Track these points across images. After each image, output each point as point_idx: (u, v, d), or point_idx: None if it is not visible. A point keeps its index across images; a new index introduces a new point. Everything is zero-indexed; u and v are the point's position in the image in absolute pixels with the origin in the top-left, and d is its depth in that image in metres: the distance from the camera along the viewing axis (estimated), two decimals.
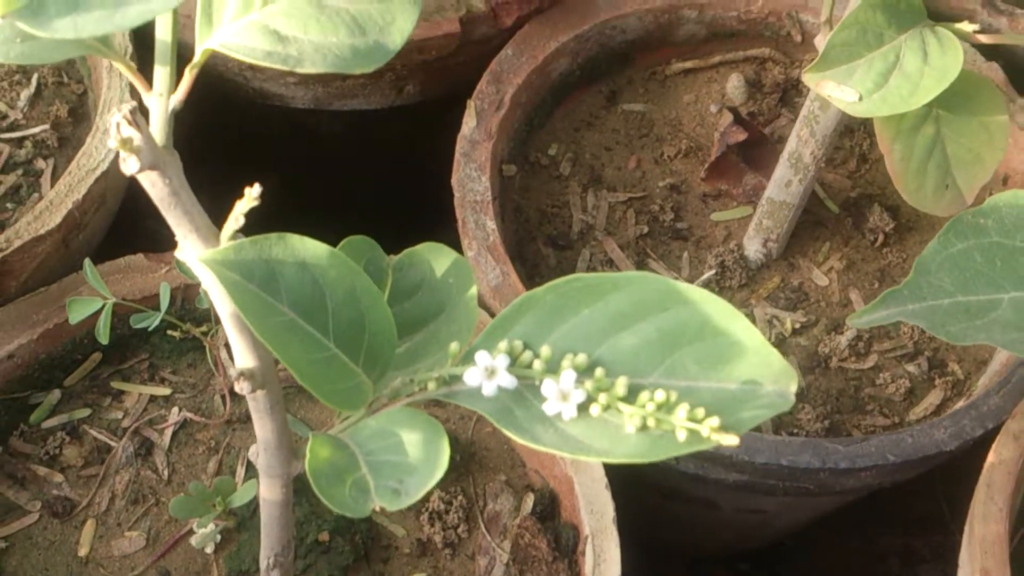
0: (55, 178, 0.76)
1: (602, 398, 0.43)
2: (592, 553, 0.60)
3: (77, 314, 0.65)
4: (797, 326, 0.77)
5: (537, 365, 0.45)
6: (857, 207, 0.82)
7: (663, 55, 0.87)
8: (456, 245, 0.74)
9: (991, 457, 0.60)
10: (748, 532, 0.85)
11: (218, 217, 0.44)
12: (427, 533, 0.64)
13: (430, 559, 0.64)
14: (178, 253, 0.45)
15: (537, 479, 0.66)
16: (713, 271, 0.79)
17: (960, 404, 0.71)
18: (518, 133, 0.82)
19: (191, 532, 0.64)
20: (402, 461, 0.46)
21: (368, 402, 0.48)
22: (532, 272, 0.79)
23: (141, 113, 0.41)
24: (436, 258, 0.52)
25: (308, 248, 0.45)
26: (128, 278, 0.71)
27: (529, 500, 0.65)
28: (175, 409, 0.69)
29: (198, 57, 0.41)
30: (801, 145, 0.74)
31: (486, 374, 0.45)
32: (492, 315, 0.71)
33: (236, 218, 0.43)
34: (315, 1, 0.41)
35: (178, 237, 0.44)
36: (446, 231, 0.78)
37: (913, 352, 0.76)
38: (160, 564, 0.64)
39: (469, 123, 0.78)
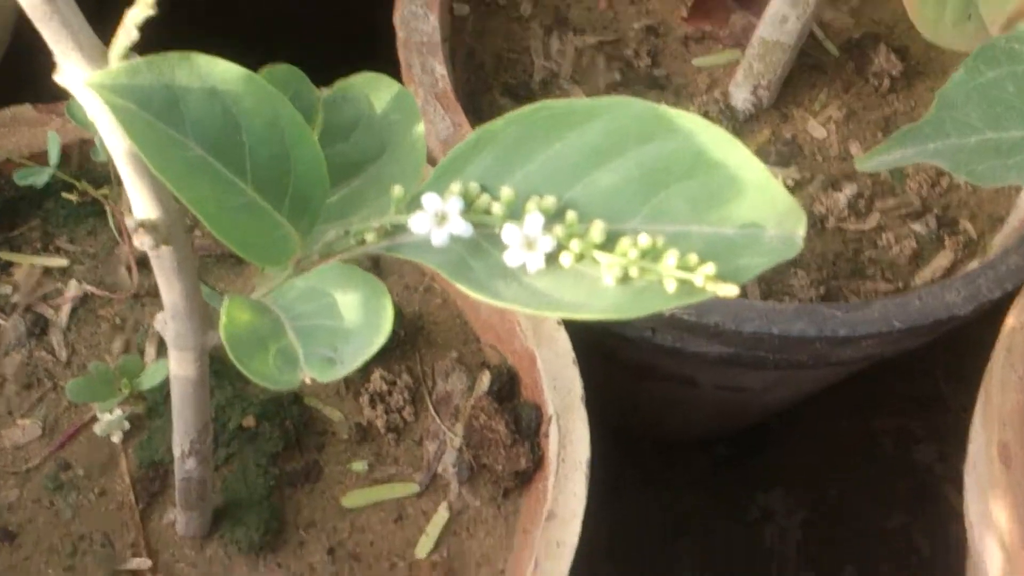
0: None
1: (575, 245, 0.39)
2: (557, 434, 0.57)
3: None
4: (790, 184, 0.74)
5: (497, 209, 0.40)
6: (860, 49, 0.78)
7: None
8: None
9: (1011, 320, 0.56)
10: (729, 412, 0.83)
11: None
12: (368, 417, 0.61)
13: (371, 445, 0.60)
14: (58, 77, 0.40)
15: (493, 355, 0.62)
16: None
17: (974, 265, 0.68)
18: None
19: (95, 419, 0.60)
20: (336, 326, 0.42)
21: (295, 258, 0.43)
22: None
23: None
24: (375, 91, 0.47)
25: (218, 71, 0.40)
26: (14, 132, 0.66)
27: (485, 378, 0.61)
28: (73, 282, 0.65)
29: None
30: None
31: (436, 220, 0.40)
32: None
33: (128, 31, 0.38)
34: None
35: (58, 58, 0.39)
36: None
37: (920, 209, 0.73)
38: (59, 455, 0.60)
39: None
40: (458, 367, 0.62)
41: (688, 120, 0.40)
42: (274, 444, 0.59)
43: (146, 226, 0.42)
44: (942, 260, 0.71)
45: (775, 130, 0.76)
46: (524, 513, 0.58)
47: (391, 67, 0.73)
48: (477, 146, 0.42)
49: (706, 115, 0.75)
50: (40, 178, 0.60)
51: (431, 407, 0.61)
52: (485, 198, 0.41)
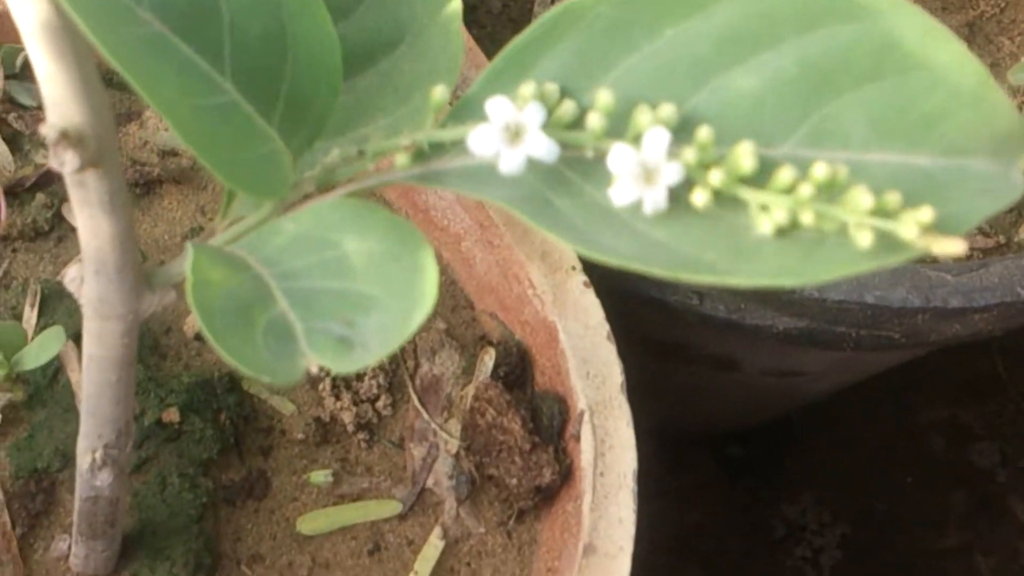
0: None
1: (715, 177, 0.32)
2: (592, 436, 0.50)
3: None
4: None
5: (595, 121, 0.32)
6: None
7: None
8: None
9: None
10: (762, 404, 0.77)
11: None
12: (330, 409, 0.53)
13: (335, 448, 0.53)
14: None
15: (494, 327, 0.55)
16: None
17: None
18: None
19: None
20: (350, 289, 0.34)
21: (288, 187, 0.35)
22: (467, 19, 0.65)
23: None
24: None
25: None
26: None
27: (488, 358, 0.54)
28: None
29: None
30: None
31: (507, 135, 0.32)
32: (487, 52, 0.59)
33: None
34: None
35: None
36: None
37: None
38: None
39: None
40: (448, 342, 0.54)
41: None
42: (205, 447, 0.51)
43: (69, 136, 0.34)
44: None
45: None
46: (546, 544, 0.51)
47: None
48: (554, 31, 0.34)
49: None
50: None
51: (415, 396, 0.54)
52: (568, 106, 0.34)
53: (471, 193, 0.34)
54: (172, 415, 0.51)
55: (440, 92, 0.34)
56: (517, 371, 0.54)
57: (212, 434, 0.52)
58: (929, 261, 0.62)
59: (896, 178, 0.33)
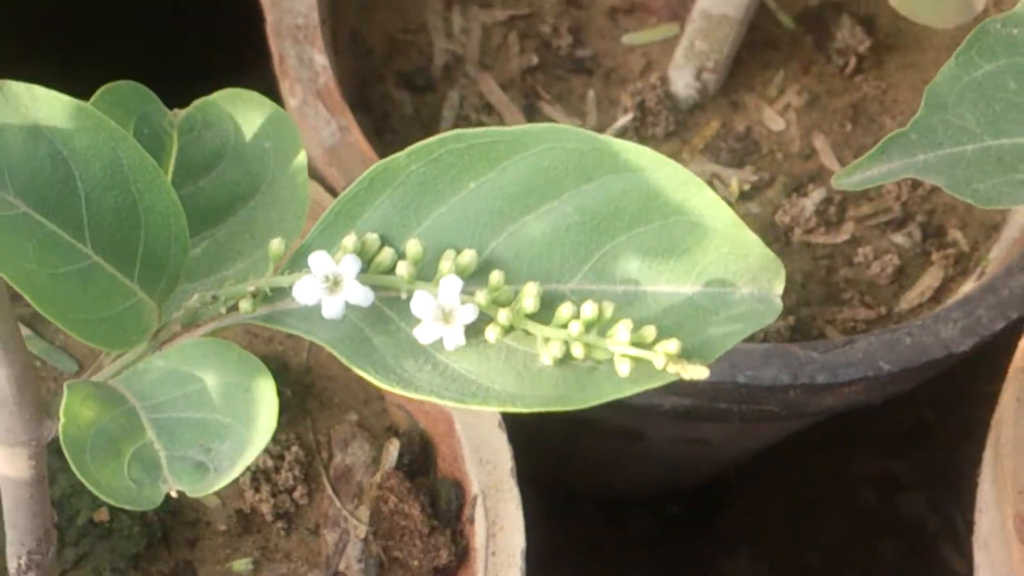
0: None
1: (503, 316, 0.37)
2: (484, 518, 0.55)
3: None
4: (746, 187, 0.73)
5: (403, 269, 0.38)
6: (819, 20, 0.78)
7: None
8: (272, 91, 0.68)
9: (1021, 359, 0.55)
10: (683, 468, 0.82)
11: None
12: (250, 501, 0.58)
13: (256, 537, 0.58)
14: None
15: (402, 417, 0.60)
16: (630, 115, 0.74)
17: (969, 287, 0.68)
18: None
19: None
20: (208, 419, 0.40)
21: (152, 332, 0.40)
22: (381, 125, 0.72)
23: None
24: (243, 111, 0.44)
25: (42, 103, 0.38)
26: None
27: (392, 448, 0.59)
28: None
29: None
30: None
31: (327, 285, 0.38)
32: (330, 191, 0.64)
33: None
34: None
35: None
36: (257, 71, 0.71)
37: (901, 217, 0.72)
38: None
39: None
40: (360, 433, 0.59)
41: (637, 154, 0.38)
42: (134, 542, 0.56)
43: None
44: (930, 279, 0.70)
45: (725, 121, 0.74)
46: None
47: (263, 60, 0.71)
48: (373, 186, 0.40)
49: (642, 106, 0.73)
50: None
51: (328, 485, 0.59)
52: (387, 253, 0.39)
53: (304, 334, 0.39)
54: (103, 515, 0.56)
55: (277, 244, 0.39)
56: (420, 459, 0.59)
57: (140, 530, 0.56)
58: (803, 339, 0.67)
59: (668, 306, 0.38)
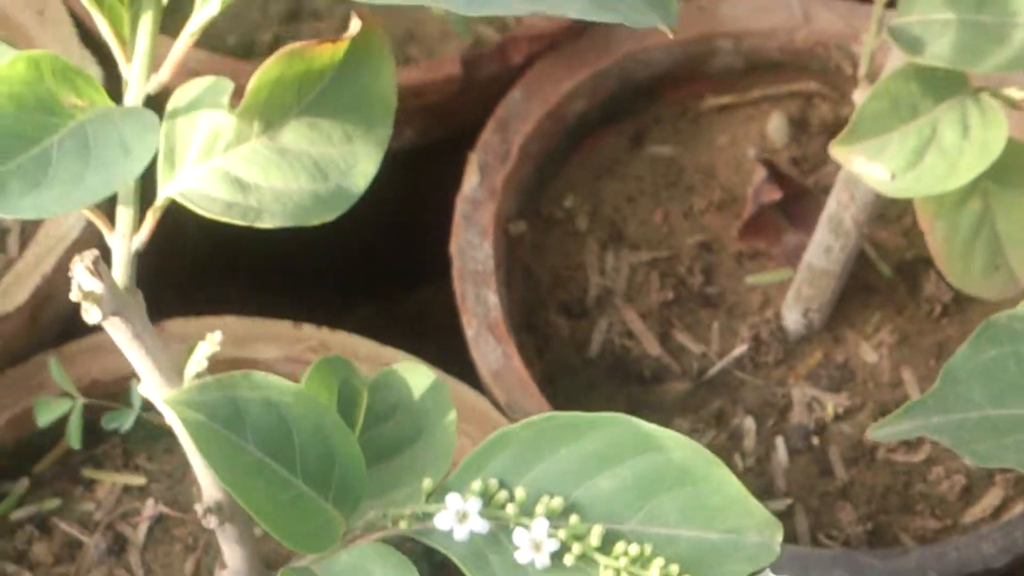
0: (24, 238, 0.86)
1: (576, 547, 0.53)
2: None
3: (44, 417, 0.75)
4: (840, 411, 0.85)
5: (511, 509, 0.54)
6: (912, 271, 0.90)
7: (695, 89, 0.96)
8: (455, 313, 0.85)
9: None
10: None
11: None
12: None
13: None
14: (142, 389, 0.55)
15: None
16: (746, 346, 0.87)
17: (1018, 509, 0.80)
18: (528, 186, 0.91)
19: None
20: None
21: (339, 537, 0.57)
22: (542, 345, 0.87)
23: (103, 256, 0.51)
24: (414, 378, 0.61)
25: (273, 385, 0.55)
26: (98, 360, 0.81)
27: None
28: (150, 501, 0.79)
29: (159, 201, 0.51)
30: (841, 209, 0.82)
31: (458, 517, 0.54)
32: (495, 405, 0.80)
33: (198, 360, 0.53)
34: (276, 146, 0.51)
35: (141, 375, 0.54)
36: (444, 297, 0.88)
37: None
38: None
39: (471, 180, 0.87)
40: None
41: (672, 439, 0.53)
42: None
43: (212, 509, 0.57)
44: (992, 498, 0.82)
45: (827, 353, 0.88)
46: None
47: (445, 292, 0.87)
48: (496, 446, 0.56)
49: (757, 337, 0.87)
50: (124, 422, 0.76)
51: None
52: (503, 494, 0.55)
53: (441, 548, 0.55)
54: None
55: (427, 483, 0.56)
56: None
57: None
58: (880, 543, 0.80)
59: (694, 546, 0.53)
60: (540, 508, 0.54)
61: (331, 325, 0.83)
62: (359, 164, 0.52)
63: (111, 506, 0.80)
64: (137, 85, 0.49)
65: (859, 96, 0.78)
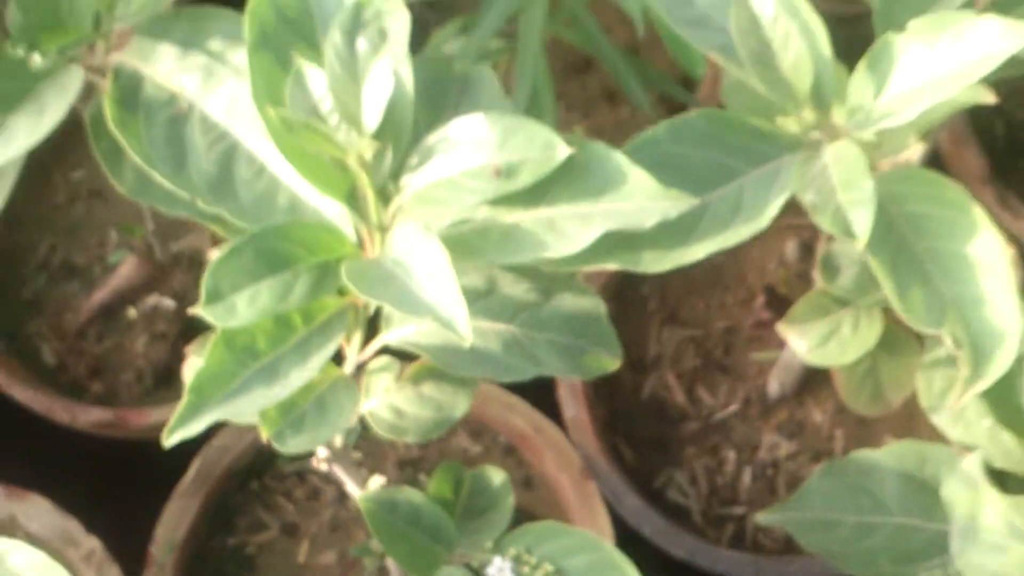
0: None
1: None
2: None
3: None
4: (791, 452, 1.34)
5: (526, 569, 1.06)
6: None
7: None
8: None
9: None
10: None
11: None
12: None
13: None
14: (349, 490, 1.09)
15: None
16: (736, 406, 1.36)
17: None
18: (613, 280, 1.40)
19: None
20: None
21: (441, 565, 1.11)
22: (613, 390, 1.37)
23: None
24: (492, 474, 1.13)
25: (410, 492, 1.08)
26: None
27: None
28: (363, 470, 1.35)
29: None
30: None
31: (497, 572, 1.07)
32: (570, 441, 1.32)
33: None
34: (419, 392, 1.03)
35: (344, 483, 1.09)
36: None
37: None
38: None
39: None
40: None
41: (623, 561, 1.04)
42: None
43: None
44: None
45: (791, 412, 1.35)
46: None
47: None
48: (520, 533, 1.07)
49: (748, 398, 1.36)
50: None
51: None
52: (526, 557, 1.07)
53: None
54: None
55: (489, 544, 1.09)
56: None
57: None
58: None
59: None
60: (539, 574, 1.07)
61: None
62: (459, 402, 1.03)
63: None
64: (351, 363, 1.01)
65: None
